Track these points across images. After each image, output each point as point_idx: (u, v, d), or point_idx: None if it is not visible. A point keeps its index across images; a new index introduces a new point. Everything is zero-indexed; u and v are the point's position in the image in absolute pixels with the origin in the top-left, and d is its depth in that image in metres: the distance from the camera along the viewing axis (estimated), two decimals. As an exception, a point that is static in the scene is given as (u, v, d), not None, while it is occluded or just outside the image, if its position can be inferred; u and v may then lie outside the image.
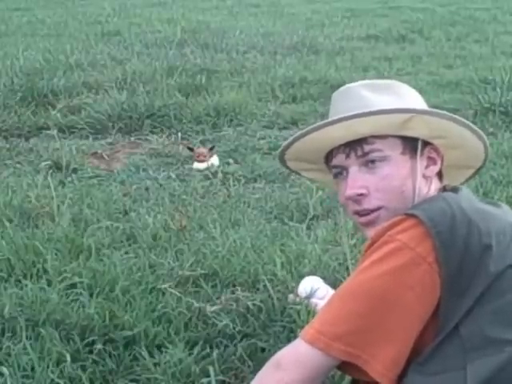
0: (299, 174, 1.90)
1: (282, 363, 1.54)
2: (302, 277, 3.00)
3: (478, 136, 1.69)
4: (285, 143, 1.74)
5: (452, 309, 1.49)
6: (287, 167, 1.84)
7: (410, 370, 1.51)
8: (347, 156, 1.65)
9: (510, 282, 1.51)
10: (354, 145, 1.63)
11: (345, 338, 1.49)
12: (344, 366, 1.54)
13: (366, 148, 1.63)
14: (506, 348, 1.47)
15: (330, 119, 1.64)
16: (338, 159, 1.67)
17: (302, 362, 1.52)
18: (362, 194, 1.63)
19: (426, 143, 1.66)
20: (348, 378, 1.73)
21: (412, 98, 1.71)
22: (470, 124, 1.66)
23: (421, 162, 1.65)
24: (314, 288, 2.84)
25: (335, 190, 1.77)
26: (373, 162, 1.63)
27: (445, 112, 1.65)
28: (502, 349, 1.47)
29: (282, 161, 1.81)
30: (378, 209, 1.63)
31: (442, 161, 1.71)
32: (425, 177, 1.65)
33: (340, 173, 1.68)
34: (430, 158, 1.67)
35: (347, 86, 1.74)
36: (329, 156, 1.70)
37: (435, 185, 1.69)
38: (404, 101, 1.68)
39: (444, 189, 1.71)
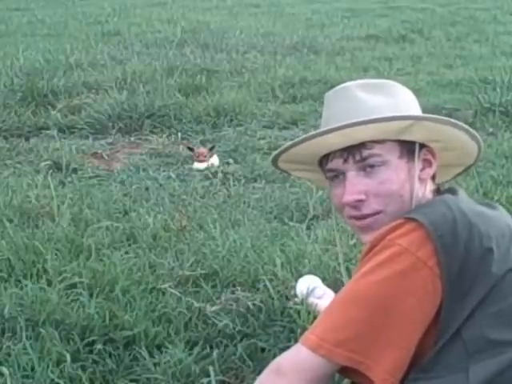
0: (288, 173, 1.87)
1: (282, 369, 1.53)
2: (301, 277, 2.99)
3: (475, 139, 1.68)
4: (279, 149, 1.72)
5: (453, 312, 1.48)
6: (277, 167, 1.81)
7: (413, 374, 1.50)
8: (345, 161, 1.62)
9: (511, 285, 1.50)
10: (351, 150, 1.61)
11: (347, 344, 1.48)
12: (344, 371, 1.54)
13: (365, 153, 1.60)
14: (508, 350, 1.47)
15: (327, 128, 1.61)
16: (335, 163, 1.64)
17: (303, 368, 1.51)
18: (360, 200, 1.61)
19: (421, 145, 1.65)
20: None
21: (407, 99, 1.70)
22: (468, 127, 1.65)
23: (417, 165, 1.64)
24: (311, 288, 2.83)
25: (328, 190, 1.76)
26: (371, 166, 1.61)
27: (443, 117, 1.64)
28: (504, 350, 1.47)
29: (274, 162, 1.78)
30: (377, 213, 1.62)
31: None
32: (420, 179, 1.64)
33: (336, 176, 1.66)
34: (425, 160, 1.66)
35: (342, 85, 1.72)
36: (323, 159, 1.67)
37: (430, 186, 1.68)
38: (400, 103, 1.66)
39: (438, 189, 1.71)
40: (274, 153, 1.75)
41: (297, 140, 1.67)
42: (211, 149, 5.07)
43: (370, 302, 1.49)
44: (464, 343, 1.48)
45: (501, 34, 10.46)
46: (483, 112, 6.02)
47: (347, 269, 3.03)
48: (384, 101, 1.65)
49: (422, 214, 1.51)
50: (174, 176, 4.76)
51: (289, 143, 1.70)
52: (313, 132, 1.65)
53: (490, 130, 5.61)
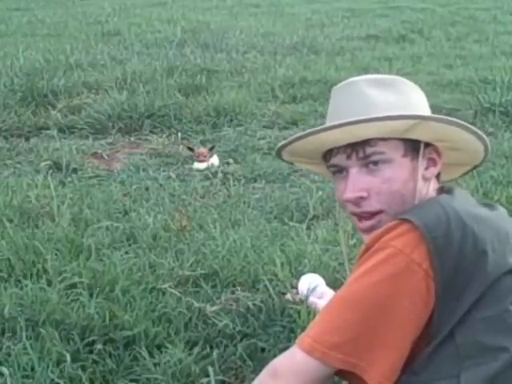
0: (293, 164, 1.87)
1: (278, 372, 1.53)
2: (303, 275, 2.99)
3: (481, 140, 1.66)
4: (283, 143, 1.71)
5: (446, 315, 1.47)
6: (282, 158, 1.80)
7: (405, 376, 1.50)
8: (348, 157, 1.61)
9: (506, 289, 1.50)
10: (355, 146, 1.60)
11: (342, 346, 1.48)
12: (341, 372, 1.53)
13: (369, 150, 1.59)
14: (501, 355, 1.46)
15: (330, 124, 1.59)
16: (338, 159, 1.63)
17: (299, 371, 1.51)
18: (361, 198, 1.60)
19: (427, 144, 1.64)
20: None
21: (416, 97, 1.68)
22: (474, 129, 1.64)
23: (421, 164, 1.62)
24: (313, 286, 2.83)
25: (330, 180, 1.75)
26: (374, 163, 1.59)
27: (449, 118, 1.61)
28: (496, 356, 1.46)
29: (279, 153, 1.77)
30: (379, 213, 1.61)
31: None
32: (424, 178, 1.63)
33: (339, 171, 1.65)
34: (430, 159, 1.65)
35: (349, 80, 1.70)
36: (327, 153, 1.66)
37: (433, 185, 1.67)
38: (408, 101, 1.64)
39: (441, 189, 1.70)
40: (278, 145, 1.74)
41: (300, 134, 1.66)
42: (211, 149, 5.08)
43: (365, 305, 1.48)
44: (457, 347, 1.47)
45: (501, 34, 10.46)
46: (483, 112, 6.02)
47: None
48: (391, 98, 1.63)
49: (416, 216, 1.50)
50: (174, 176, 4.77)
51: (293, 137, 1.68)
52: (317, 127, 1.64)
53: (490, 130, 5.60)
